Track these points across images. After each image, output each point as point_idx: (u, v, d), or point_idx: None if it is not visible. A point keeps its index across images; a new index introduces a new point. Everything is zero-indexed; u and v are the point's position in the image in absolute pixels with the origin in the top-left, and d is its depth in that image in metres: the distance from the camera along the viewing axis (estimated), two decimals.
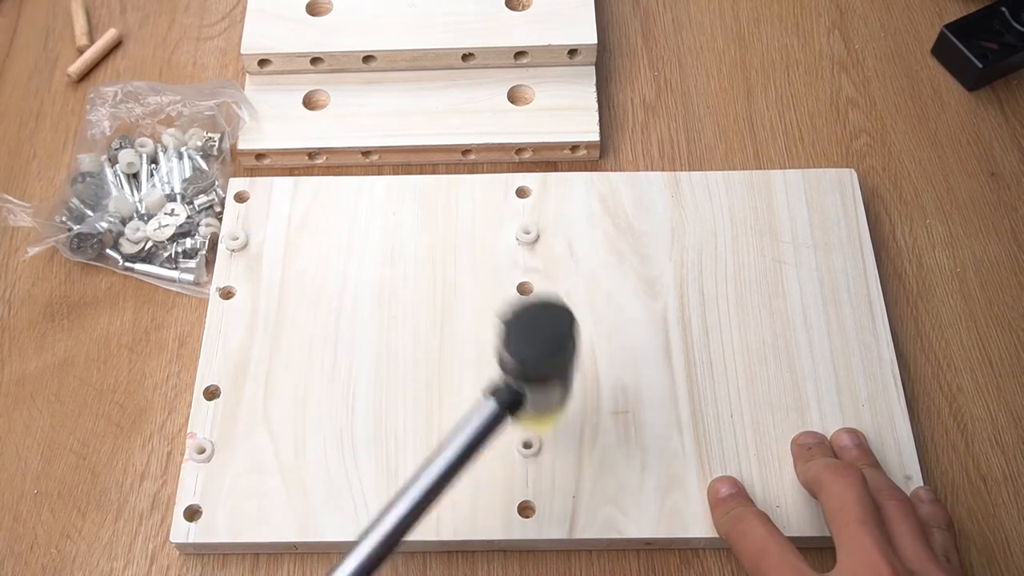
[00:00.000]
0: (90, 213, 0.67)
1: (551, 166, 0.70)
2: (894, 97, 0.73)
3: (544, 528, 0.55)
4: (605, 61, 0.74)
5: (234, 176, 0.68)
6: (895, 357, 0.60)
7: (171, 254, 0.66)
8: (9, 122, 0.73)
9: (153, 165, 0.69)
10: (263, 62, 0.71)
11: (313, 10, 0.72)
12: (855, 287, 0.63)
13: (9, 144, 0.72)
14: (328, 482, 0.57)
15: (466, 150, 0.70)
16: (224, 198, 0.67)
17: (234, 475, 0.57)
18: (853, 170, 0.67)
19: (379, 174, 0.70)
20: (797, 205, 0.66)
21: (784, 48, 0.75)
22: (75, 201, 0.67)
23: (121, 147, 0.69)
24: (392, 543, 0.46)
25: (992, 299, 0.64)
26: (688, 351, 0.61)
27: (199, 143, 0.69)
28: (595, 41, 0.70)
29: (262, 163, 0.70)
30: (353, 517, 0.56)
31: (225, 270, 0.64)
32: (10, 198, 0.66)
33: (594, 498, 0.56)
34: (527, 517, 0.56)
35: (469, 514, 0.56)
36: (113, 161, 0.69)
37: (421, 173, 0.70)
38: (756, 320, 0.62)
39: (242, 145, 0.69)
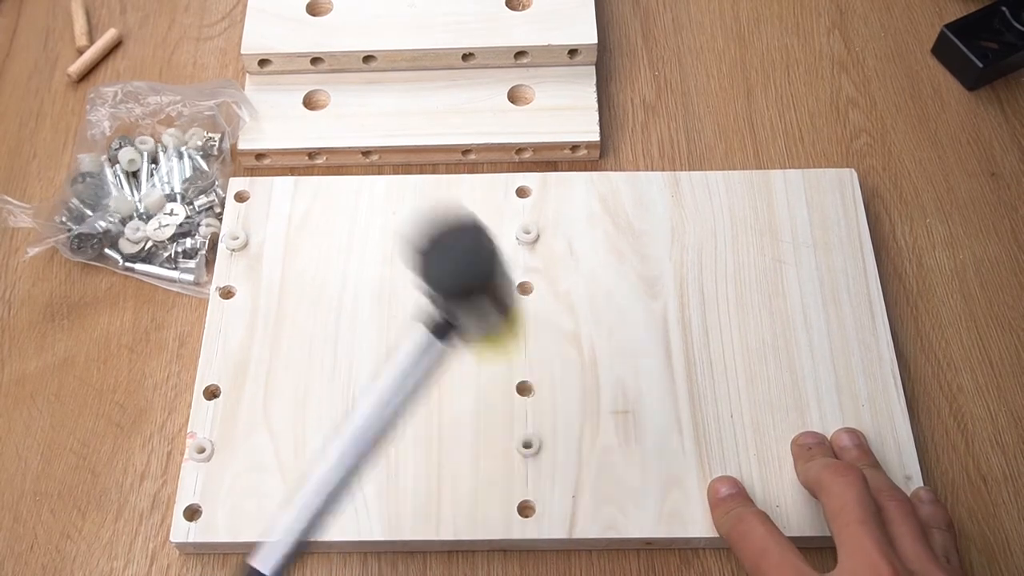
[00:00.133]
0: (90, 213, 0.67)
1: (551, 166, 0.70)
2: (894, 97, 0.73)
3: (544, 528, 0.55)
4: (605, 61, 0.74)
5: (234, 176, 0.68)
6: (895, 357, 0.60)
7: (171, 254, 0.66)
8: (9, 122, 0.73)
9: (153, 165, 0.69)
10: (263, 62, 0.71)
11: (313, 10, 0.72)
12: (855, 287, 0.63)
13: (9, 144, 0.72)
14: None
15: (466, 150, 0.70)
16: (224, 198, 0.67)
17: (234, 475, 0.57)
18: (853, 170, 0.67)
19: (379, 174, 0.70)
20: (797, 205, 0.66)
21: (784, 48, 0.75)
22: (75, 201, 0.67)
23: (121, 147, 0.69)
24: (337, 493, 0.44)
25: (992, 299, 0.64)
26: (688, 351, 0.61)
27: (199, 143, 0.69)
28: (595, 41, 0.70)
29: (262, 163, 0.70)
30: (353, 517, 0.56)
31: (225, 270, 0.64)
32: (10, 199, 0.66)
33: (594, 498, 0.56)
34: (527, 517, 0.56)
35: (469, 514, 0.56)
36: (113, 161, 0.69)
37: (421, 173, 0.70)
38: (756, 320, 0.62)
39: (242, 145, 0.69)
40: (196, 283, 0.65)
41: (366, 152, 0.70)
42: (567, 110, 0.70)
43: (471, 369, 0.60)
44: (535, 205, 0.66)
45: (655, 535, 0.55)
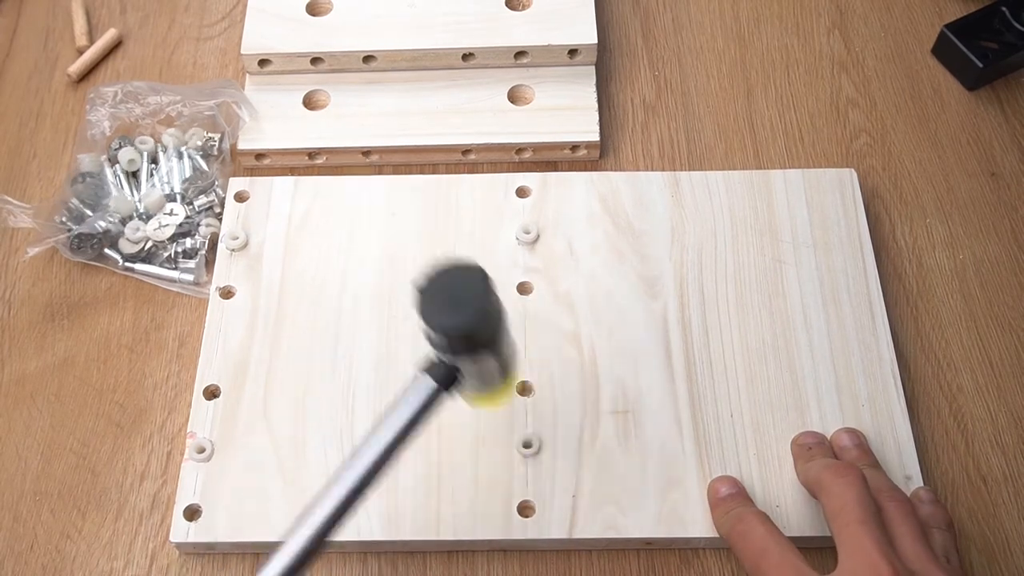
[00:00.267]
0: (90, 213, 0.67)
1: (551, 166, 0.70)
2: (894, 97, 0.73)
3: (544, 528, 0.55)
4: (605, 61, 0.74)
5: (234, 176, 0.68)
6: (895, 357, 0.60)
7: (171, 254, 0.66)
8: (9, 122, 0.73)
9: (153, 165, 0.69)
10: (263, 62, 0.71)
11: (313, 10, 0.72)
12: (855, 287, 0.63)
13: (9, 144, 0.72)
14: None
15: (466, 150, 0.70)
16: (224, 198, 0.67)
17: (234, 475, 0.57)
18: (853, 170, 0.67)
19: (379, 174, 0.70)
20: (797, 205, 0.66)
21: (784, 48, 0.75)
22: (75, 201, 0.67)
23: (121, 147, 0.69)
24: (327, 530, 0.45)
25: (992, 299, 0.64)
26: (688, 351, 0.61)
27: (199, 143, 0.69)
28: (595, 41, 0.70)
29: (262, 163, 0.70)
30: (352, 517, 0.55)
31: (225, 270, 0.64)
32: (10, 199, 0.66)
33: (594, 498, 0.56)
34: (527, 517, 0.56)
35: (469, 514, 0.56)
36: (113, 161, 0.69)
37: (421, 173, 0.70)
38: (756, 320, 0.62)
39: (242, 145, 0.69)
40: (196, 283, 0.65)
41: (366, 152, 0.70)
42: (567, 110, 0.70)
43: None
44: (535, 205, 0.66)
45: (655, 535, 0.55)
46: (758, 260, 0.64)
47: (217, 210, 0.67)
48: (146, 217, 0.67)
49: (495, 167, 0.70)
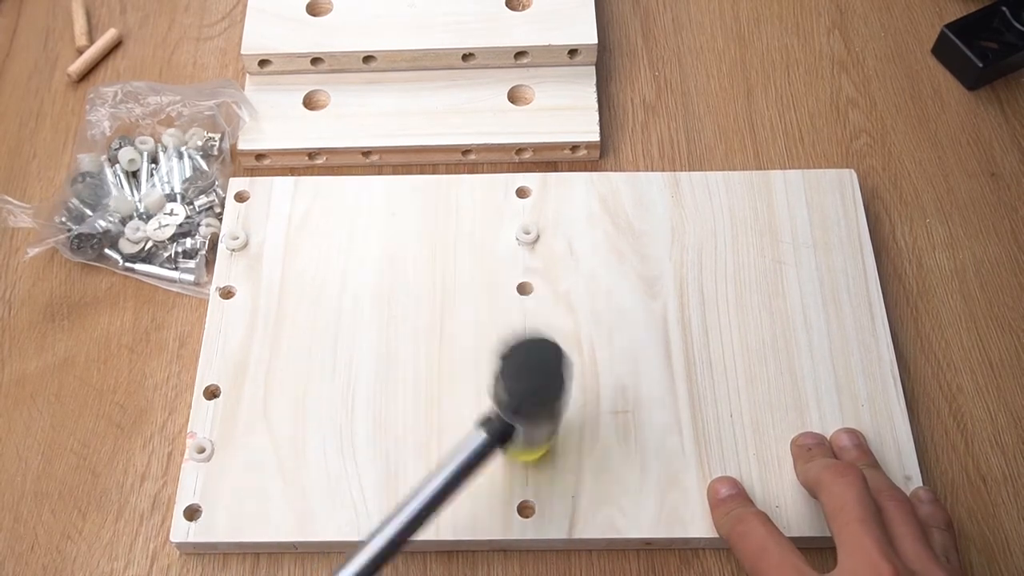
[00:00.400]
0: (90, 213, 0.67)
1: (551, 166, 0.70)
2: (894, 97, 0.73)
3: (544, 528, 0.55)
4: (605, 61, 0.74)
5: (234, 176, 0.68)
6: (895, 357, 0.60)
7: (171, 254, 0.66)
8: (9, 122, 0.73)
9: (153, 165, 0.69)
10: (263, 62, 0.71)
11: (313, 10, 0.72)
12: (855, 287, 0.63)
13: (9, 144, 0.72)
14: (328, 482, 0.57)
15: (466, 150, 0.70)
16: (224, 198, 0.67)
17: (234, 475, 0.57)
18: (853, 170, 0.67)
19: (379, 174, 0.70)
20: (797, 205, 0.66)
21: (784, 48, 0.75)
22: (75, 201, 0.67)
23: (121, 147, 0.69)
24: (375, 569, 0.48)
25: (992, 299, 0.64)
26: (688, 351, 0.61)
27: (199, 143, 0.69)
28: (595, 41, 0.70)
29: (262, 163, 0.70)
30: (353, 517, 0.56)
31: (225, 270, 0.64)
32: (10, 199, 0.66)
33: (594, 498, 0.56)
34: (527, 517, 0.56)
35: (469, 514, 0.56)
36: (113, 161, 0.69)
37: (421, 173, 0.70)
38: (756, 320, 0.62)
39: (242, 145, 0.69)
40: (196, 283, 0.65)
41: (366, 152, 0.70)
42: (567, 110, 0.70)
43: (471, 369, 0.60)
44: (535, 205, 0.66)
45: (655, 535, 0.55)
46: (758, 260, 0.64)
47: (217, 210, 0.67)
48: (146, 217, 0.67)
49: (495, 167, 0.70)
